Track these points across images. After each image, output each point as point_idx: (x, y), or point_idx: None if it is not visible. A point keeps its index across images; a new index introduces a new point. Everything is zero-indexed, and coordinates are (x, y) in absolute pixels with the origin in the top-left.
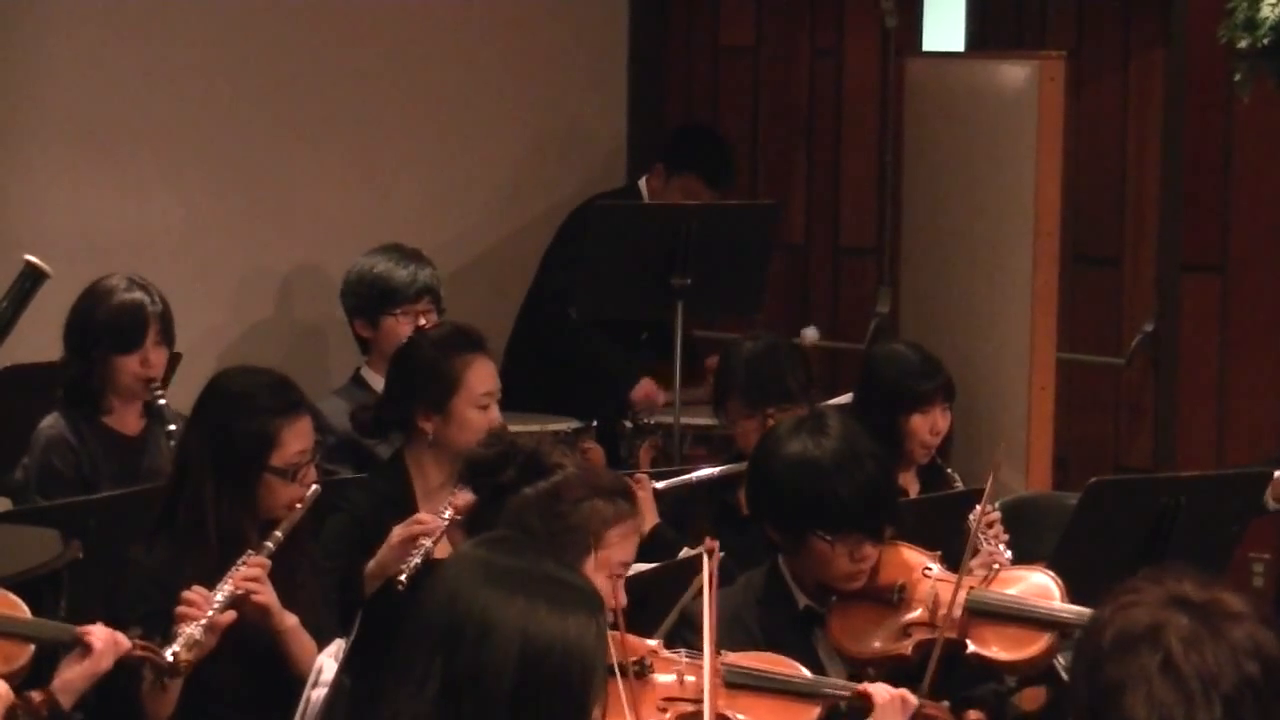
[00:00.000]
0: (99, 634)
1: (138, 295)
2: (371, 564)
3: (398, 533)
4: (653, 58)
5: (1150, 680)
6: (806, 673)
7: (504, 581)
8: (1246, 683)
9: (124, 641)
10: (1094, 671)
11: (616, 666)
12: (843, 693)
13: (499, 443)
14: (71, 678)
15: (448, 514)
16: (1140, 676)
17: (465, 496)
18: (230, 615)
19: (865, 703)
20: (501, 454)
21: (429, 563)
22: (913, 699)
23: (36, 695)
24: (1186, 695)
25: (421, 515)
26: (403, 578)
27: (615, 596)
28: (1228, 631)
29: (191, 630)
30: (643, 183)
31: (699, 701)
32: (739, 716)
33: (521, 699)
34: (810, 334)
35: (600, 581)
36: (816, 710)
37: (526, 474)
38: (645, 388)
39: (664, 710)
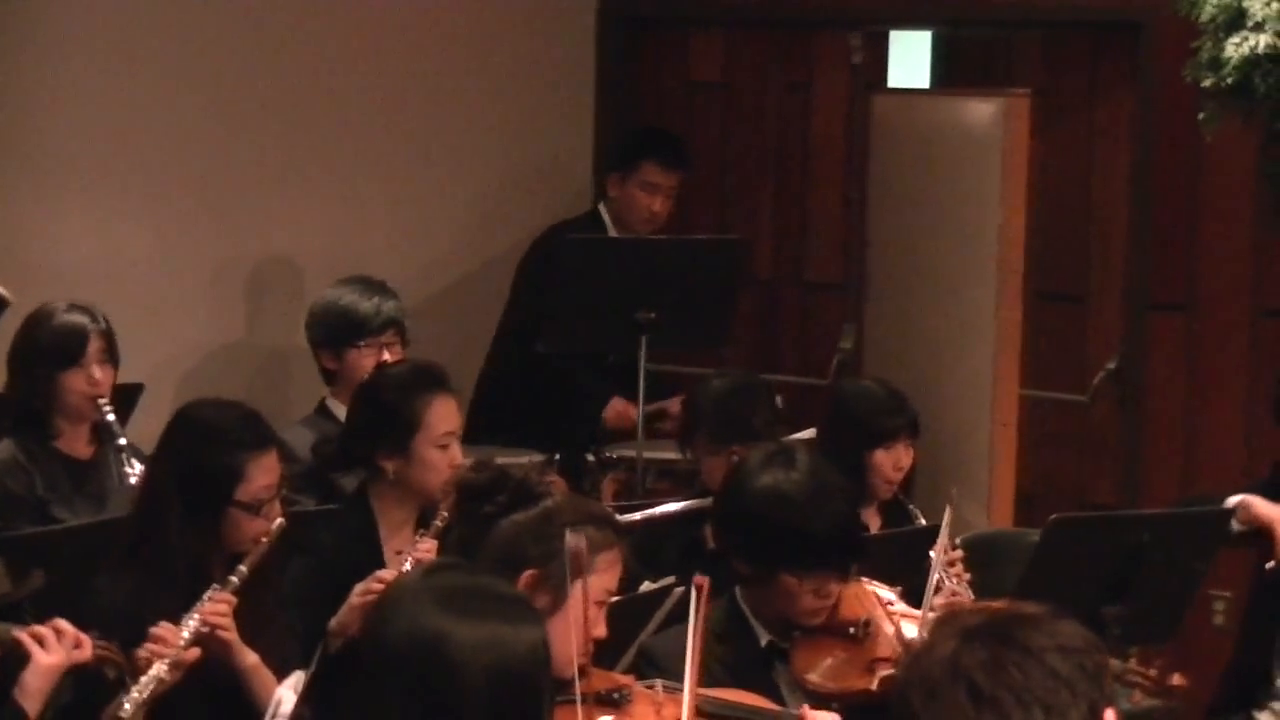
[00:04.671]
0: (36, 632)
1: (78, 316)
2: (333, 623)
3: (358, 591)
4: (622, 92)
5: (964, 713)
6: (775, 706)
7: (458, 605)
8: (1058, 680)
9: (85, 647)
10: None
11: (582, 696)
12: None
13: (490, 469)
14: (29, 679)
15: (407, 567)
16: (955, 713)
17: (427, 547)
18: (195, 652)
19: None
20: (493, 480)
21: None
22: None
23: None
24: (1002, 715)
25: (382, 573)
26: None
27: (599, 625)
28: (1024, 639)
29: (157, 668)
30: (602, 206)
31: None
32: None
33: (492, 716)
34: None
35: (588, 608)
36: None
37: (516, 501)
38: (616, 406)
39: None
